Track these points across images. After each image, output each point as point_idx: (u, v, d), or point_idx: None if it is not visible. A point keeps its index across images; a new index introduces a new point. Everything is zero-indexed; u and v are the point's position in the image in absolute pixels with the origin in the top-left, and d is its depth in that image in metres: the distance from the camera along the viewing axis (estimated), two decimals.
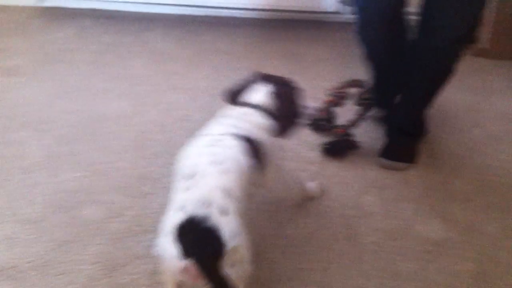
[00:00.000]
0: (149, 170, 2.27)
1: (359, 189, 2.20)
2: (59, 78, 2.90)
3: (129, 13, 3.61)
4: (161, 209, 2.02)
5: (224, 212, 1.44)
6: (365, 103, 2.37)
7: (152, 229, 1.97)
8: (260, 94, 1.86)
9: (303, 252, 1.93)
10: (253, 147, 1.69)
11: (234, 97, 1.93)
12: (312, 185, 2.16)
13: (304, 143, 2.43)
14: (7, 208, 2.08)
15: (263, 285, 1.80)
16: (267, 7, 3.41)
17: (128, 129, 2.51)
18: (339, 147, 2.38)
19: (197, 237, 1.40)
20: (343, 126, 2.36)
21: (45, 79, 2.90)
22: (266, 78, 1.92)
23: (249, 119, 1.77)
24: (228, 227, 1.41)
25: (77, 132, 2.49)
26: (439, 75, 2.21)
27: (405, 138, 2.38)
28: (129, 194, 2.14)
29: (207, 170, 1.53)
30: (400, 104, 2.37)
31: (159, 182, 2.20)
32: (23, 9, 3.67)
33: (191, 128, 2.47)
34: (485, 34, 3.03)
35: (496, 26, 3.05)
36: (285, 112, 1.85)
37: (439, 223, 2.05)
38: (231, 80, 2.82)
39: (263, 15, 3.51)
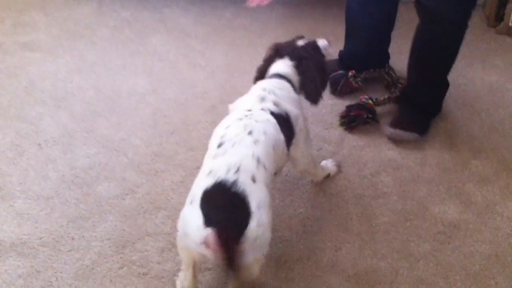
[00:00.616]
0: (163, 148, 2.26)
1: (375, 169, 2.17)
2: (77, 54, 2.89)
3: None
4: (173, 186, 2.06)
5: (253, 179, 1.44)
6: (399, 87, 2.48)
7: (164, 207, 1.98)
8: (284, 65, 1.89)
9: (315, 231, 1.91)
10: (282, 121, 1.70)
11: (261, 73, 1.96)
12: (328, 163, 2.13)
13: (321, 122, 2.40)
14: (20, 184, 2.09)
15: (274, 264, 1.79)
16: None
17: (144, 106, 2.50)
18: (358, 119, 2.35)
19: (223, 204, 1.40)
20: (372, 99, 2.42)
21: (63, 54, 2.89)
22: (288, 48, 1.94)
23: (275, 91, 1.78)
24: (256, 195, 1.41)
25: (93, 109, 2.49)
26: (439, 49, 2.18)
27: (415, 109, 2.34)
28: (142, 171, 2.14)
29: (239, 139, 1.55)
30: (409, 75, 2.34)
31: (172, 160, 2.19)
32: None
33: (207, 106, 2.48)
34: (509, 12, 2.93)
35: None
36: (310, 80, 1.89)
37: (455, 204, 2.01)
38: (249, 57, 2.83)
39: None
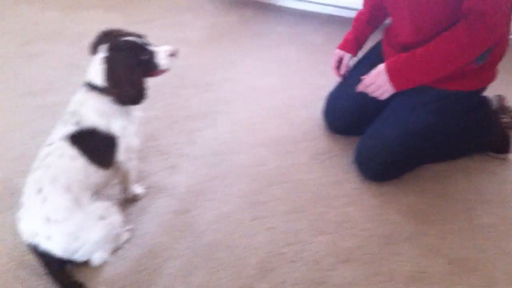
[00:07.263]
0: (291, 134, 2.56)
1: (480, 181, 2.34)
2: (221, 52, 3.32)
3: (285, 7, 3.99)
4: (298, 166, 2.35)
5: (49, 237, 1.57)
6: None
7: (287, 180, 2.28)
8: (94, 66, 1.69)
9: (421, 220, 2.12)
10: (92, 142, 1.68)
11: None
12: (138, 189, 2.14)
13: None
14: (174, 144, 2.47)
15: (383, 240, 2.02)
16: None
17: (275, 100, 2.84)
18: None
19: None
20: None
21: (210, 51, 3.34)
22: (105, 39, 1.71)
23: (84, 107, 1.69)
24: (59, 241, 1.59)
25: (233, 96, 2.86)
26: None
27: None
28: (271, 151, 2.45)
29: (28, 201, 1.60)
30: None
31: (300, 144, 2.49)
32: None
33: None
34: None
35: None
36: (118, 80, 1.66)
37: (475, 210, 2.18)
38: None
39: None
